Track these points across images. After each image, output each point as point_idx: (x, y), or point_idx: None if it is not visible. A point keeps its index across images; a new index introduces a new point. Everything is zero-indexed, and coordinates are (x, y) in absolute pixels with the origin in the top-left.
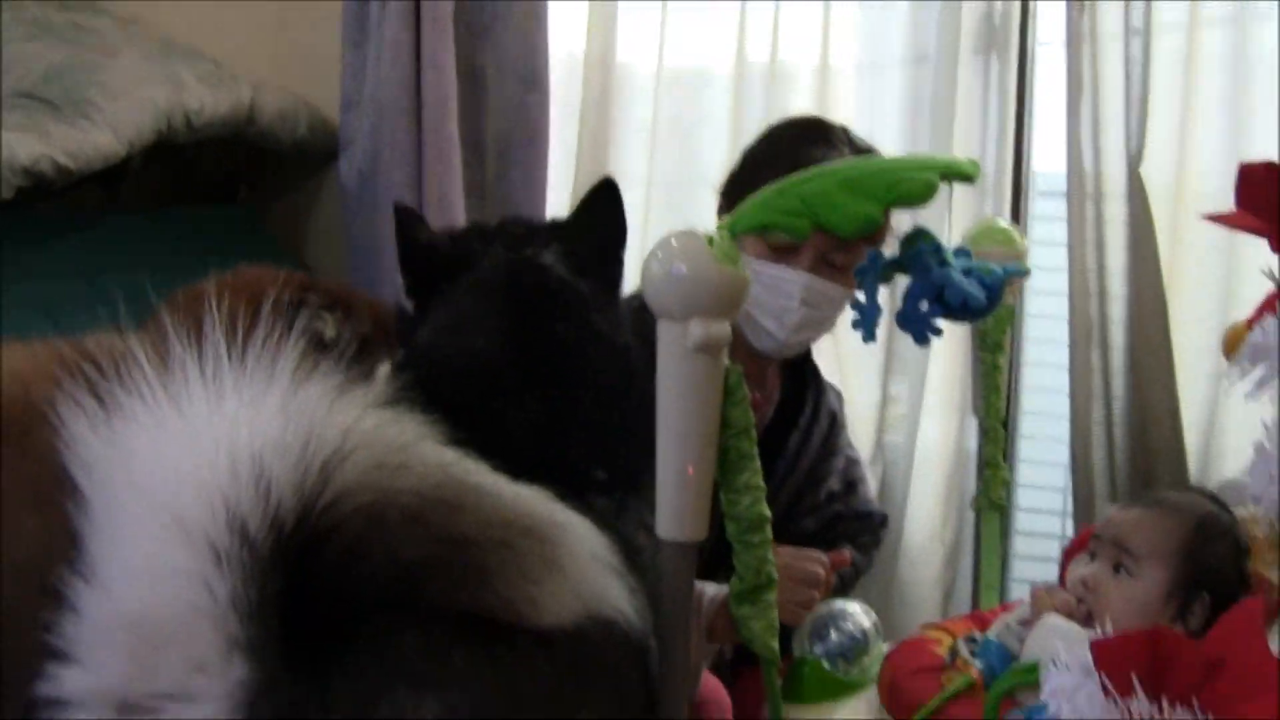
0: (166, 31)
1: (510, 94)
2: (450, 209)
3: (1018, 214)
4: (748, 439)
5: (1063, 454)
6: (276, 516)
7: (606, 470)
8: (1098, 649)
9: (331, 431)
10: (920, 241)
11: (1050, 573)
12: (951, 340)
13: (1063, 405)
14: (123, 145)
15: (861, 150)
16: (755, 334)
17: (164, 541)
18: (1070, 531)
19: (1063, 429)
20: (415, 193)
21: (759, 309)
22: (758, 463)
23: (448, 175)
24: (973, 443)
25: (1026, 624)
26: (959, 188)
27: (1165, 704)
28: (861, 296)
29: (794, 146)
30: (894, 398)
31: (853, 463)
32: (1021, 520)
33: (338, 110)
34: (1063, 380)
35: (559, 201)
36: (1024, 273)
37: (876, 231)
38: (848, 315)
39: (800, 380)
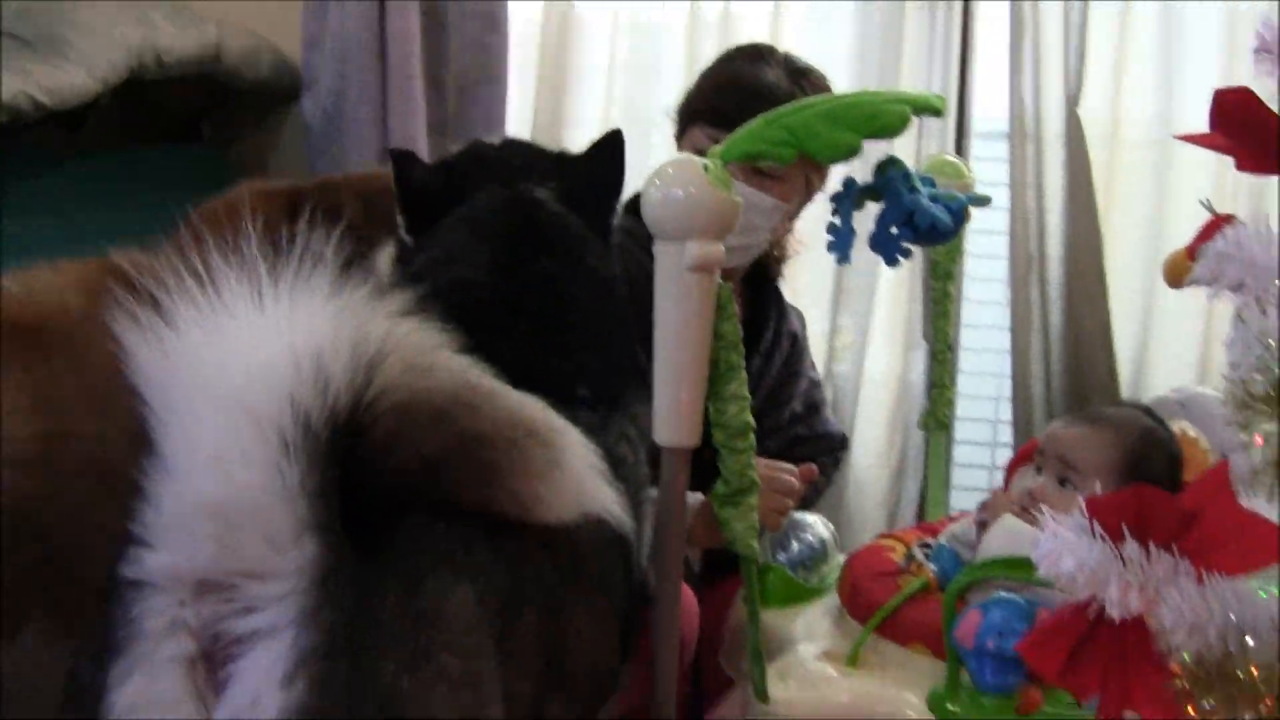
0: None
1: (471, 35)
2: (413, 146)
3: (960, 155)
4: (736, 351)
5: (991, 387)
6: (334, 410)
7: (590, 389)
8: (1090, 504)
9: (375, 334)
10: (891, 169)
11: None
12: (897, 275)
13: (997, 339)
14: (97, 83)
15: (798, 70)
16: None
17: (237, 433)
18: (1000, 461)
19: (991, 362)
20: (380, 130)
21: None
22: (744, 374)
23: (411, 113)
24: (915, 373)
25: (982, 525)
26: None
27: (1149, 550)
28: (837, 221)
29: (729, 62)
30: (842, 329)
31: (815, 385)
32: (957, 452)
33: (299, 51)
34: (997, 316)
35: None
36: (985, 200)
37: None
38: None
39: (763, 304)
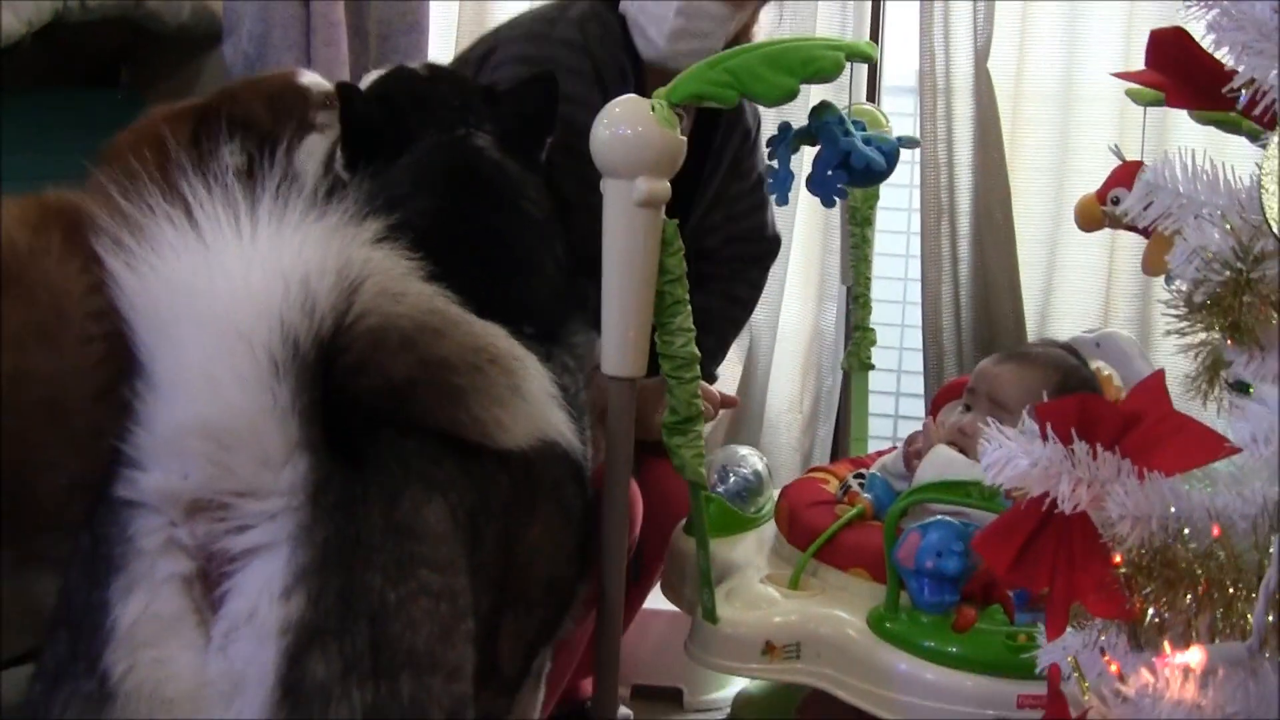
0: None
1: None
2: None
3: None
4: (681, 285)
5: (895, 336)
6: (319, 332)
7: (534, 326)
8: (1040, 409)
9: (356, 259)
10: (826, 113)
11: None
12: (810, 228)
13: (899, 290)
14: (22, 25)
15: None
16: (642, 41)
17: (229, 355)
18: (903, 410)
19: (894, 313)
20: None
21: (644, 15)
22: (689, 307)
23: (335, 59)
24: (827, 321)
25: (913, 456)
26: (817, 88)
27: (1096, 450)
28: (775, 164)
29: None
30: None
31: (760, 182)
32: None
33: None
34: (900, 267)
35: None
36: (915, 142)
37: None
38: None
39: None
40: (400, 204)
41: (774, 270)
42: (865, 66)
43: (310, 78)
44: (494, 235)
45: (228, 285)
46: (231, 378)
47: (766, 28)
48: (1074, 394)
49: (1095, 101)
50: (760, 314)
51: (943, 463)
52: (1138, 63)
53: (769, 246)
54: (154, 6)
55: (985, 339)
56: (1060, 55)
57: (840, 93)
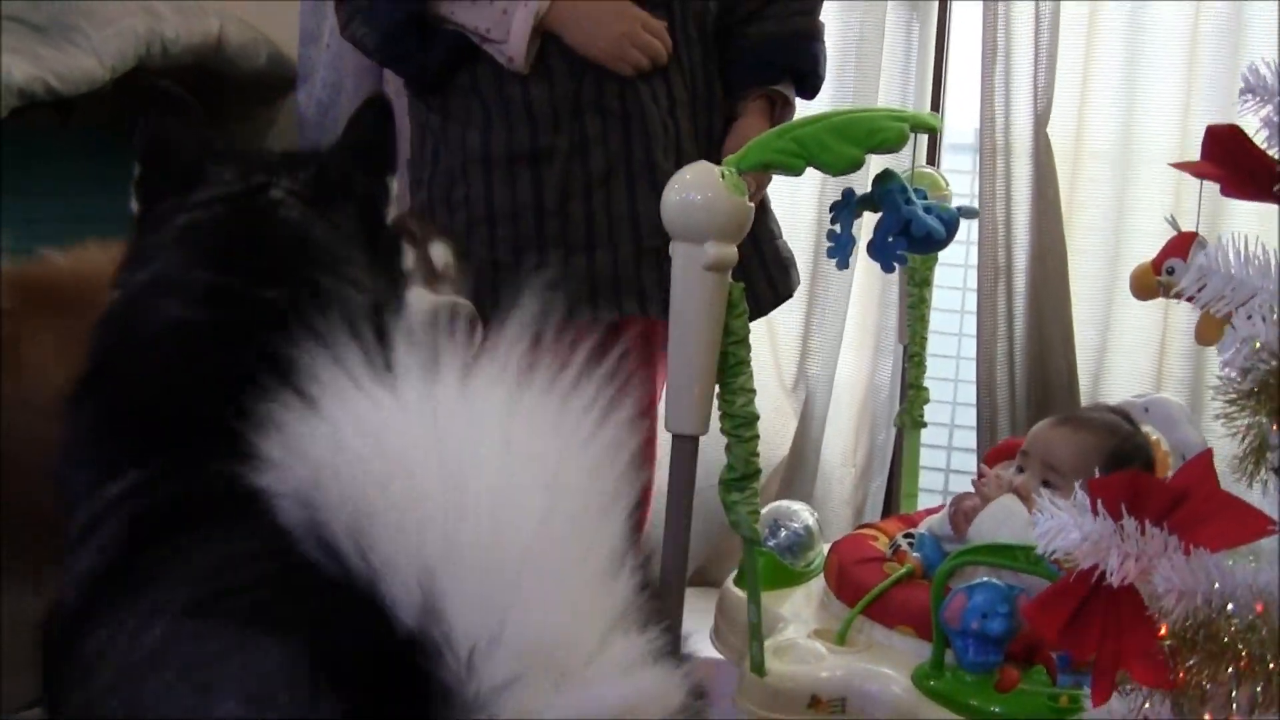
0: None
1: None
2: (407, 140)
3: (932, 165)
4: (745, 347)
5: (948, 392)
6: None
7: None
8: (1092, 485)
9: None
10: (889, 182)
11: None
12: (868, 283)
13: (953, 346)
14: (106, 71)
15: None
16: None
17: None
18: (955, 464)
19: (948, 368)
20: None
21: None
22: (751, 368)
23: (405, 108)
24: (882, 376)
25: (962, 516)
26: None
27: (1144, 526)
28: (838, 229)
29: None
30: (815, 332)
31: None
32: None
33: (292, 45)
34: (955, 323)
35: None
36: (974, 212)
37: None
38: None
39: None
40: (168, 287)
41: (831, 324)
42: None
43: None
44: (280, 320)
45: None
46: None
47: None
48: (1126, 460)
49: (1152, 163)
50: (816, 368)
51: (1006, 513)
52: (1194, 123)
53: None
54: (231, 53)
55: (1039, 396)
56: (1119, 117)
57: (902, 153)
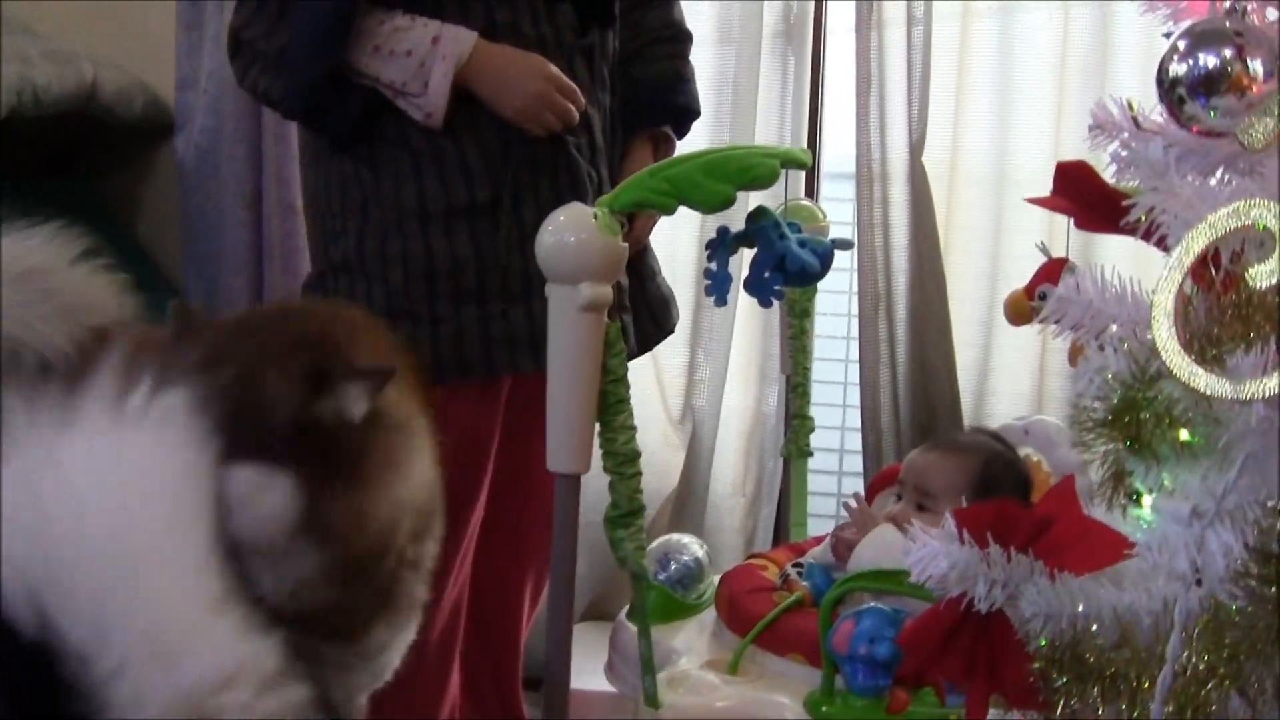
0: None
1: None
2: (288, 186)
3: (811, 195)
4: (624, 385)
5: (836, 418)
6: None
7: None
8: (958, 515)
9: None
10: (763, 218)
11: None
12: (750, 315)
13: (839, 372)
14: None
15: None
16: None
17: None
18: (846, 489)
19: (835, 394)
20: (255, 168)
21: None
22: (630, 405)
23: (286, 152)
24: (769, 406)
25: (839, 545)
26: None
27: (1009, 553)
28: (714, 266)
29: None
30: (700, 365)
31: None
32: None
33: (169, 90)
34: (840, 349)
35: None
36: (848, 244)
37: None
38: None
39: None
40: None
41: (715, 356)
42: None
43: None
44: None
45: None
46: None
47: None
48: (996, 480)
49: (1026, 187)
50: (702, 399)
51: (883, 543)
52: (1064, 148)
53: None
54: (107, 100)
55: (923, 421)
56: (992, 142)
57: (778, 186)
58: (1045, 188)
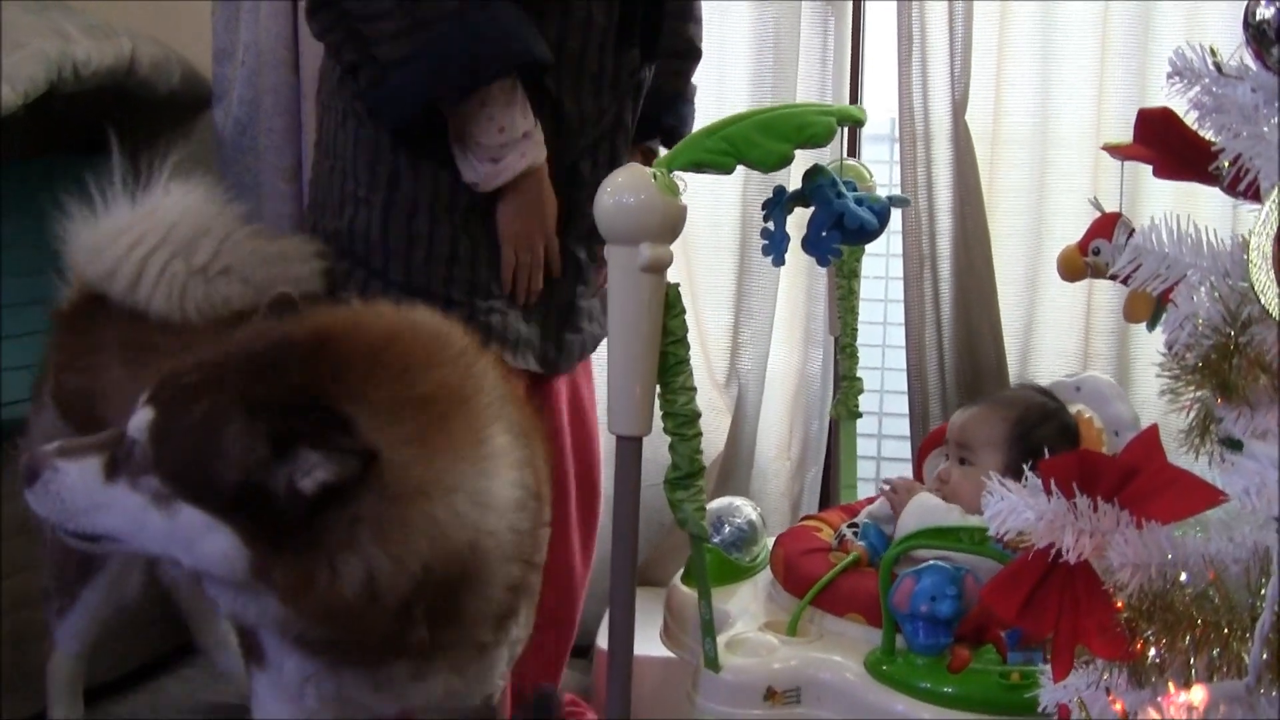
0: None
1: None
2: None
3: (852, 156)
4: (684, 346)
5: (876, 381)
6: None
7: None
8: (1043, 466)
9: None
10: (819, 176)
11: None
12: (794, 276)
13: (879, 335)
14: (19, 96)
15: None
16: None
17: None
18: (886, 451)
19: (875, 357)
20: (294, 140)
21: None
22: (690, 366)
23: None
24: (813, 367)
25: (893, 507)
26: None
27: (1096, 503)
28: (771, 226)
29: None
30: (744, 328)
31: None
32: None
33: (208, 62)
34: (879, 312)
35: None
36: (905, 201)
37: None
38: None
39: None
40: None
41: (760, 319)
42: None
43: None
44: None
45: None
46: None
47: None
48: (1035, 427)
49: (1070, 145)
50: (747, 362)
51: (921, 510)
52: (1108, 105)
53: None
54: (145, 73)
55: (969, 381)
56: (1035, 101)
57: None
58: (1090, 145)
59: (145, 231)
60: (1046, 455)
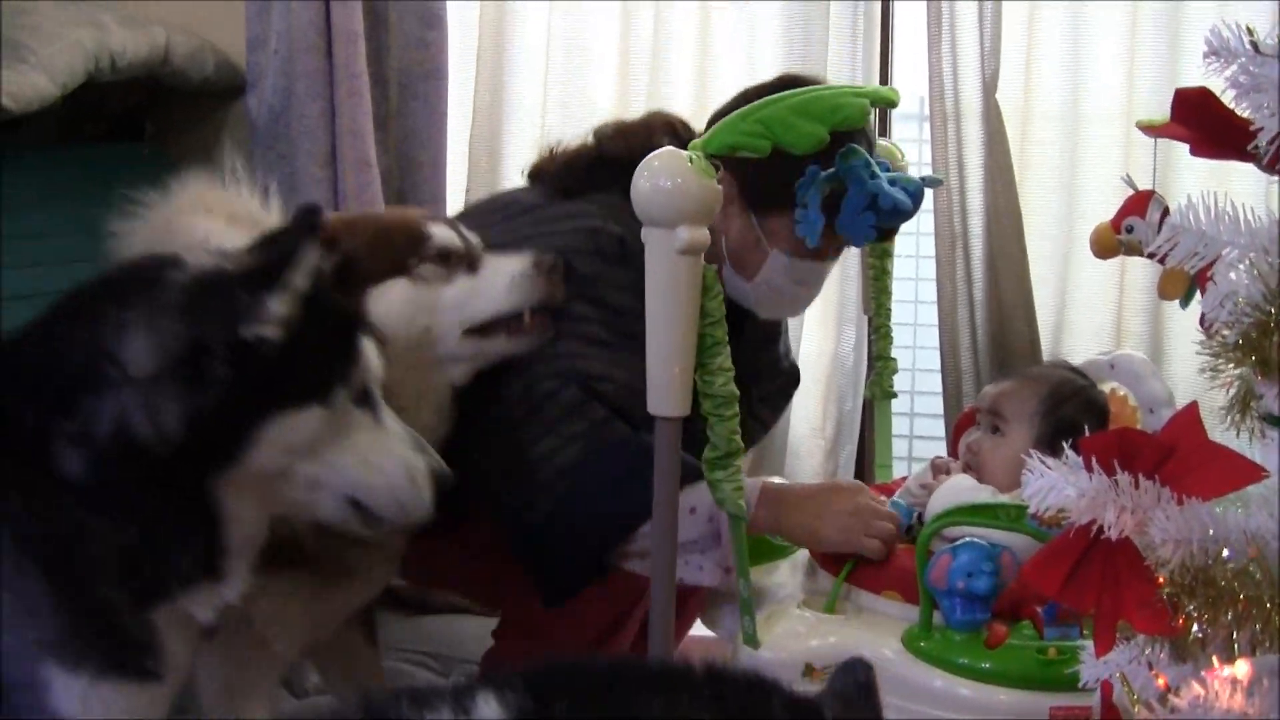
0: None
1: (411, 32)
2: (361, 139)
3: (882, 136)
4: (721, 327)
5: (907, 360)
6: None
7: None
8: (1084, 444)
9: None
10: (853, 157)
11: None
12: None
13: (911, 313)
14: (57, 87)
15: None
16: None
17: None
18: (919, 430)
19: (907, 336)
20: (329, 124)
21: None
22: (728, 347)
23: (358, 109)
24: (846, 348)
25: (925, 488)
26: None
27: (1137, 479)
28: (806, 207)
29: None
30: None
31: (784, 332)
32: None
33: (241, 50)
34: (911, 291)
35: (458, 130)
36: (938, 181)
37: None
38: None
39: None
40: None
41: None
42: None
43: (439, 229)
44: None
45: None
46: None
47: None
48: (1065, 399)
49: (1100, 123)
50: None
51: (951, 491)
52: (1138, 83)
53: (794, 379)
54: (179, 63)
55: (1001, 359)
56: (1065, 79)
57: None
58: (1121, 121)
59: None
60: (1075, 431)
